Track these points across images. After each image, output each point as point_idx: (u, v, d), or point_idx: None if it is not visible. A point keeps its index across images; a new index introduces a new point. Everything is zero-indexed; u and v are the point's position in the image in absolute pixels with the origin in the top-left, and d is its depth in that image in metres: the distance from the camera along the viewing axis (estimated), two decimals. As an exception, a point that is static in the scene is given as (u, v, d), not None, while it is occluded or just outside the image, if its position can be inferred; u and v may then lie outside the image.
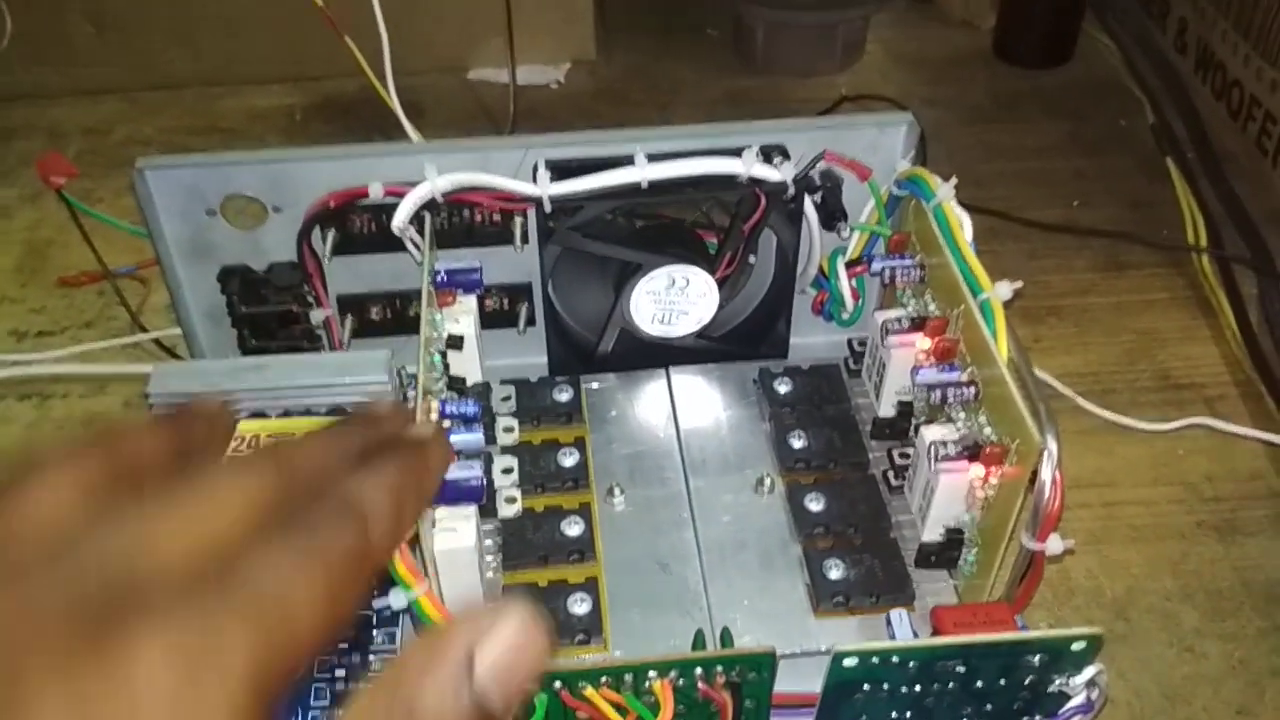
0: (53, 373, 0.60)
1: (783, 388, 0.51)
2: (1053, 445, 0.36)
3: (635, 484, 0.48)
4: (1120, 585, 0.49)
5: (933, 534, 0.43)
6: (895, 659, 0.33)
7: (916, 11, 0.91)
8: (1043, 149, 0.75)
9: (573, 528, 0.45)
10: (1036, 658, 0.33)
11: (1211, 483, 0.54)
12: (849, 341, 0.52)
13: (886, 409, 0.48)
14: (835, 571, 0.44)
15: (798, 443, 0.49)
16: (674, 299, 0.51)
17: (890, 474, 0.47)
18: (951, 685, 0.34)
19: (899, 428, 0.48)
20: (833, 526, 0.45)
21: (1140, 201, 0.70)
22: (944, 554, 0.43)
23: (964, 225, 0.44)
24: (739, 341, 0.54)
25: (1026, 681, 0.34)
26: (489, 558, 0.45)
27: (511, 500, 0.46)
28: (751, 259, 0.52)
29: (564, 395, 0.51)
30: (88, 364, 0.60)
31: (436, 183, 0.47)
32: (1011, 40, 0.84)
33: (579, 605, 0.43)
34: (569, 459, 0.48)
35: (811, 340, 0.54)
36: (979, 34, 0.87)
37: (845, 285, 0.51)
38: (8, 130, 0.79)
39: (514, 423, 0.49)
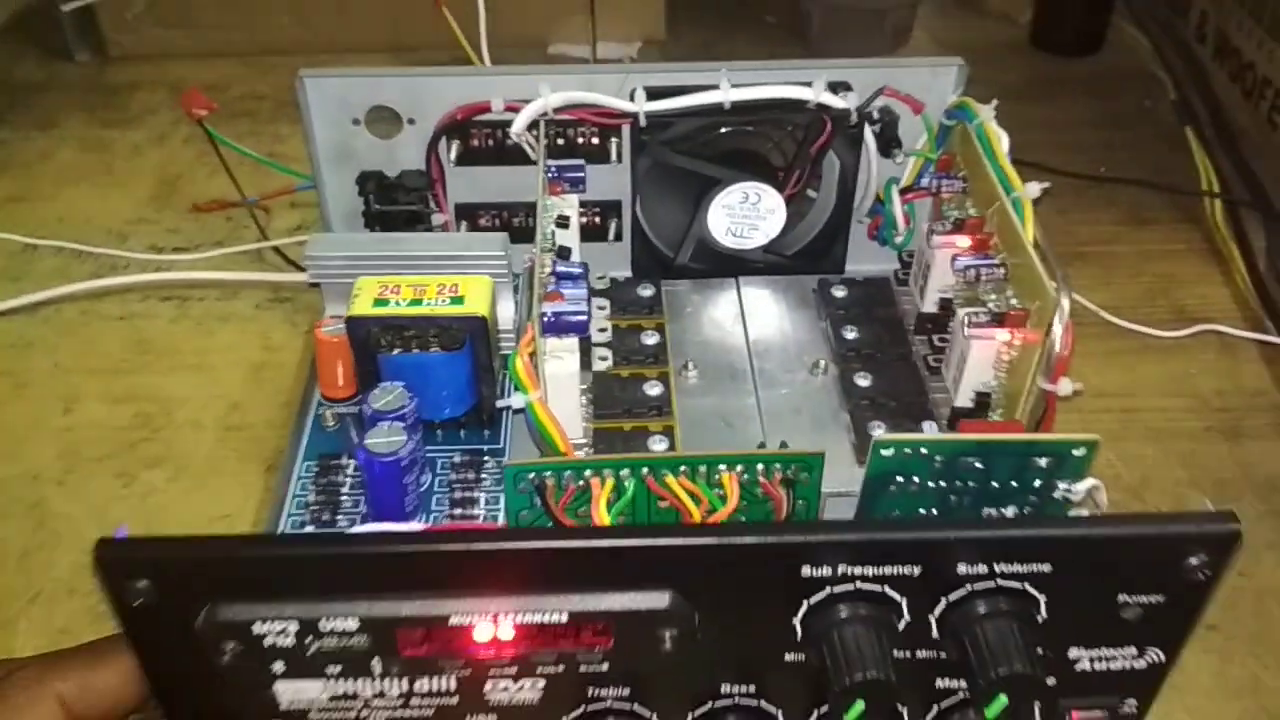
0: (190, 278, 0.69)
1: (839, 293, 0.59)
2: (1065, 301, 0.43)
3: (706, 363, 0.56)
4: (1136, 474, 0.56)
5: (964, 399, 0.51)
6: (924, 450, 0.40)
7: (959, 5, 1.00)
8: (1074, 124, 0.83)
9: (652, 390, 0.53)
10: (1044, 460, 0.40)
11: (1220, 396, 0.60)
12: (900, 256, 0.60)
13: (929, 306, 0.56)
14: (878, 431, 0.51)
15: (850, 335, 0.56)
16: (746, 213, 0.59)
17: (929, 358, 0.55)
18: (972, 483, 0.41)
19: (940, 322, 0.56)
20: (877, 399, 0.53)
21: (1162, 168, 0.77)
22: (972, 417, 0.51)
23: (1002, 139, 0.52)
24: (802, 259, 0.61)
25: (1035, 484, 0.41)
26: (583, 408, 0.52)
27: (603, 359, 0.54)
28: (812, 192, 0.60)
29: (646, 292, 0.59)
30: (221, 271, 0.69)
31: (550, 98, 0.55)
32: (1047, 31, 0.92)
33: (657, 445, 0.51)
34: (650, 339, 0.56)
35: (864, 266, 0.62)
36: (1017, 27, 0.95)
37: (899, 209, 0.59)
38: (136, 84, 0.89)
39: (605, 302, 0.57)
